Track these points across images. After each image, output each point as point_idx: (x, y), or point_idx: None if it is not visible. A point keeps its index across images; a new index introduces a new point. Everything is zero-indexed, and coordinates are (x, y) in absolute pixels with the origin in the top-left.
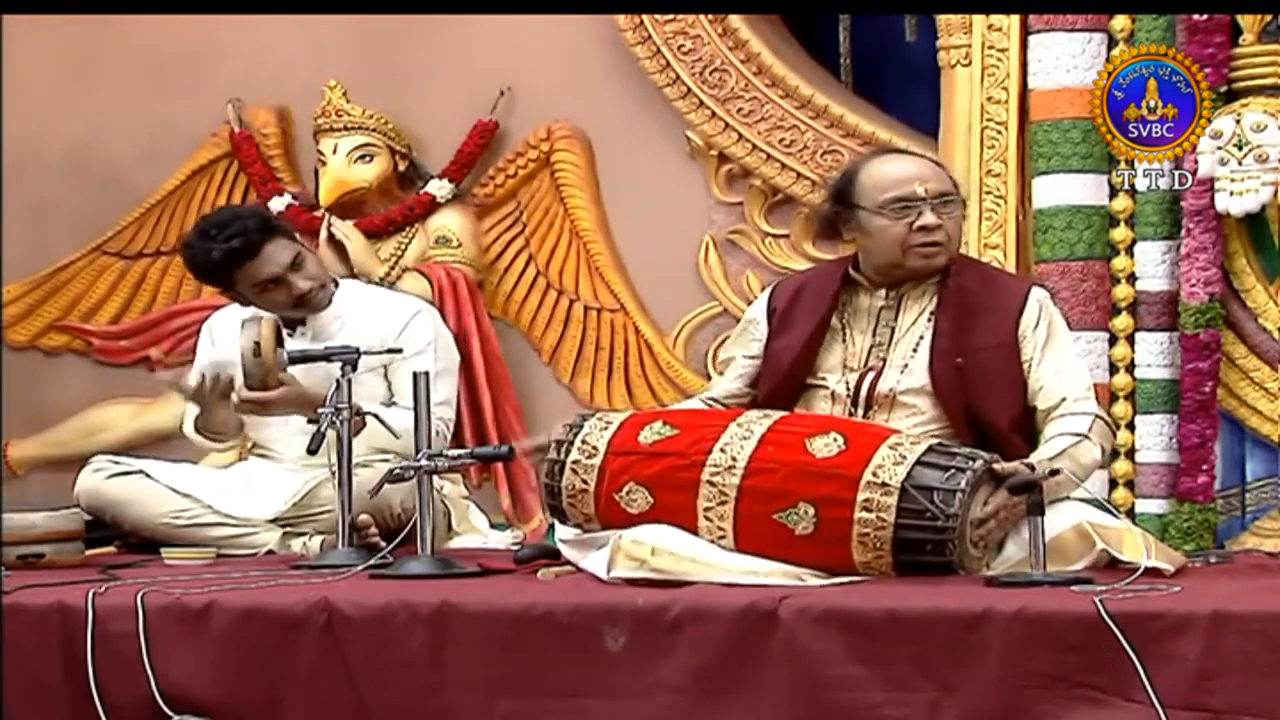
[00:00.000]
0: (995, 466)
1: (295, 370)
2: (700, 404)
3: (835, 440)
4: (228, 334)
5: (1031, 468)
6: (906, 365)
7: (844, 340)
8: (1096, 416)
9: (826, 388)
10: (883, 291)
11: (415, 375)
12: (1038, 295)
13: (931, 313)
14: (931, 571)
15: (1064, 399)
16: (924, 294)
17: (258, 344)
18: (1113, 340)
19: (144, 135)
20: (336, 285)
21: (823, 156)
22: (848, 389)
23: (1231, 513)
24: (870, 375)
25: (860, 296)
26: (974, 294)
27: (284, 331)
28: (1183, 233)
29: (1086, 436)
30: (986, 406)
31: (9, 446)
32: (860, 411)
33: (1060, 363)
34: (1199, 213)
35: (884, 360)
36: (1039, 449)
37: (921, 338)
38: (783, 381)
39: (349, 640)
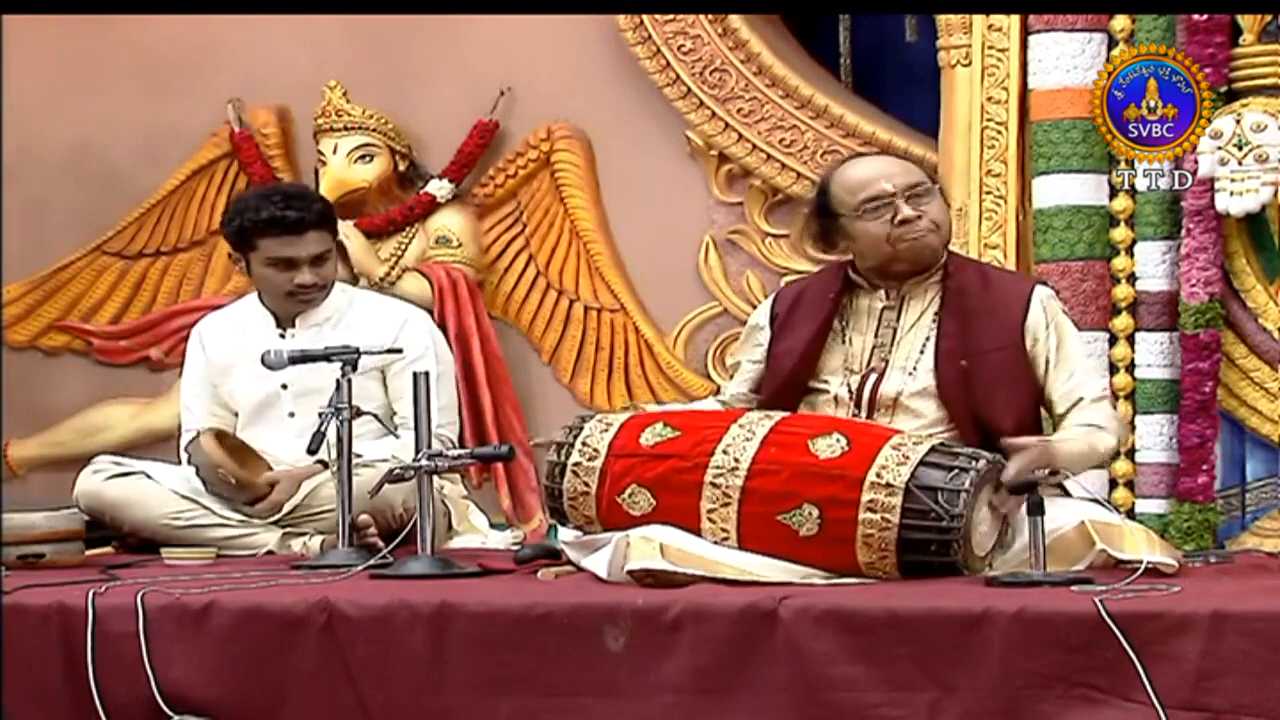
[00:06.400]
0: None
1: (295, 370)
2: (715, 404)
3: (838, 441)
4: (219, 340)
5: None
6: (914, 370)
7: (844, 342)
8: (1113, 412)
9: (828, 391)
10: (883, 292)
11: (415, 376)
12: (1041, 296)
13: (935, 314)
14: (936, 572)
15: (1081, 399)
16: (926, 293)
17: (215, 466)
18: (1113, 340)
19: (144, 135)
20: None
21: (823, 156)
22: (850, 392)
23: (1231, 513)
24: (873, 377)
25: (860, 298)
26: (976, 296)
27: (276, 333)
28: (1183, 233)
29: (1103, 427)
30: (991, 409)
31: (9, 446)
32: (864, 414)
33: (1074, 365)
34: (1199, 213)
35: (886, 362)
36: (1058, 433)
37: (927, 339)
38: (785, 385)
39: (349, 640)
